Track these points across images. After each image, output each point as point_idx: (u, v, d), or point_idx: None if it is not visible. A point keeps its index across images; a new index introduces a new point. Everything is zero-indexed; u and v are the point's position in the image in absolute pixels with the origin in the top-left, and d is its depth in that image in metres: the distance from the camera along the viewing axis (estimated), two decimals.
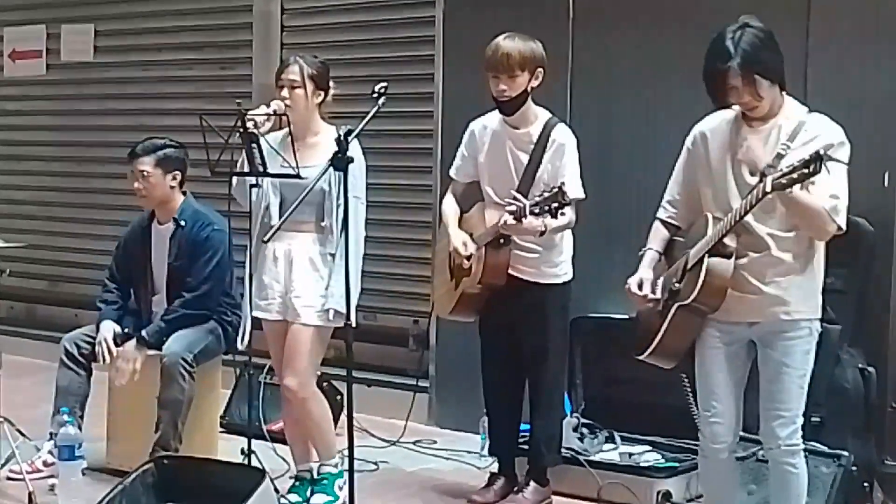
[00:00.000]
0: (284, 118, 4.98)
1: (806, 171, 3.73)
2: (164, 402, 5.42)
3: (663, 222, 4.38)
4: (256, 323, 5.19)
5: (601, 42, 6.19)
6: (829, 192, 3.92)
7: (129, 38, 8.57)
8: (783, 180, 3.78)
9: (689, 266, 4.13)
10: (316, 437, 5.23)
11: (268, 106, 5.01)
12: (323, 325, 5.00)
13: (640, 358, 4.32)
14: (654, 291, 4.26)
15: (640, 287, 4.26)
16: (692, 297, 4.06)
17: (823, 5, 5.56)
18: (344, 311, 4.89)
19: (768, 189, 3.83)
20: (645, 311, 4.36)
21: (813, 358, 4.14)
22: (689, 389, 5.16)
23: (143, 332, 5.56)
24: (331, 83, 5.16)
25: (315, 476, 5.29)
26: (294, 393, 5.07)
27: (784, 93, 4.10)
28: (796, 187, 3.78)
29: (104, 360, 5.59)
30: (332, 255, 4.95)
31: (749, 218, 3.98)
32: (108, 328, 5.64)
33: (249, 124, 4.85)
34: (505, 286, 5.09)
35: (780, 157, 3.99)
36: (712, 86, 4.05)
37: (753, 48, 3.97)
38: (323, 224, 5.00)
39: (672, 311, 4.15)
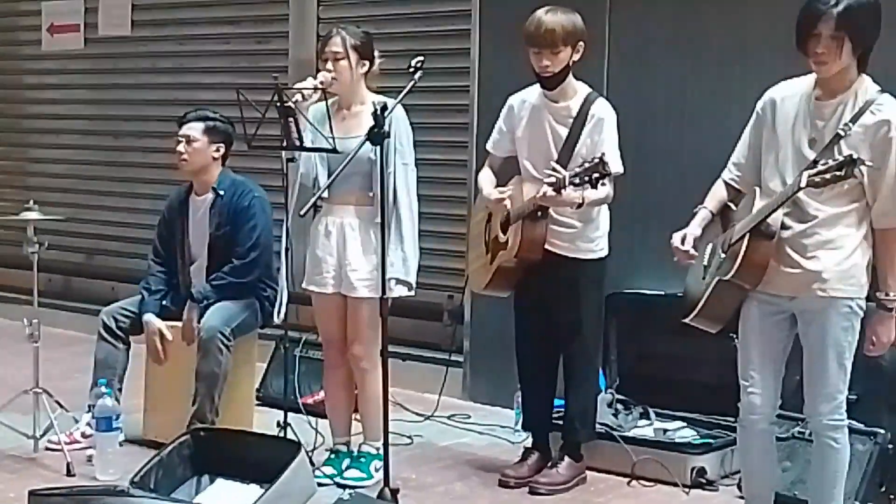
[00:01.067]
0: (327, 90, 4.99)
1: (839, 173, 3.76)
2: (202, 375, 5.45)
3: (726, 183, 4.36)
4: (292, 297, 5.22)
5: (638, 16, 6.15)
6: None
7: (166, 12, 8.59)
8: (817, 178, 3.81)
9: (733, 240, 4.14)
10: (366, 412, 5.26)
11: (314, 78, 5.02)
12: (377, 297, 4.99)
13: (685, 321, 4.35)
14: (695, 248, 4.25)
15: (682, 241, 4.25)
16: (731, 274, 4.08)
17: None
18: (407, 279, 4.93)
19: (803, 185, 3.85)
20: (693, 276, 4.39)
21: (855, 336, 4.12)
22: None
23: (193, 291, 5.60)
24: (375, 52, 5.16)
25: (358, 451, 5.32)
26: (359, 362, 5.12)
27: (863, 73, 4.06)
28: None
29: (160, 360, 5.65)
30: (381, 227, 4.92)
31: (801, 183, 3.95)
32: (157, 324, 5.66)
33: (297, 97, 4.87)
34: (540, 261, 5.09)
35: (839, 137, 3.97)
36: (802, 25, 4.00)
37: (859, 8, 3.94)
38: (370, 194, 5.01)
39: (713, 283, 4.18)
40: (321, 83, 4.97)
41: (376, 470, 5.16)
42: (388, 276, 4.89)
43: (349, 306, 5.14)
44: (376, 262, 4.96)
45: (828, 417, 4.12)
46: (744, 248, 4.05)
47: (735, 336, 4.60)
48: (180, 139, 5.69)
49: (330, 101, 5.03)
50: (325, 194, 5.02)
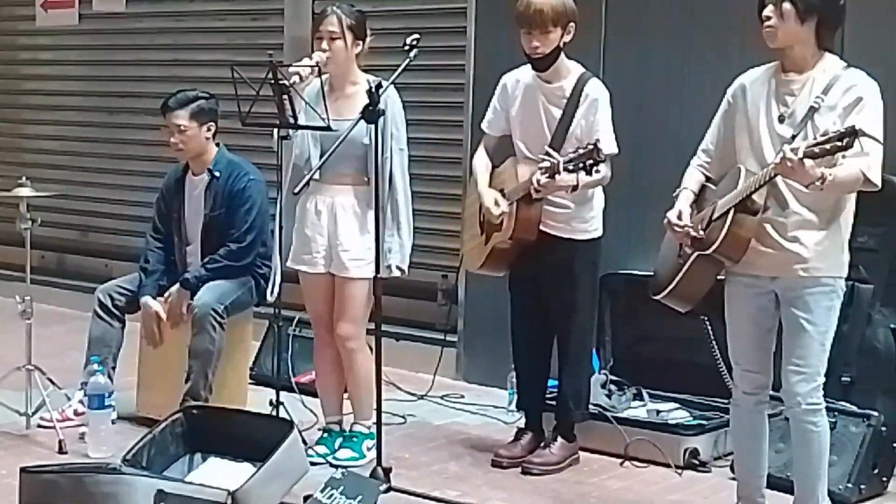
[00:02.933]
0: (321, 69, 4.97)
1: (839, 143, 3.74)
2: (195, 353, 5.44)
3: (697, 169, 4.39)
4: (286, 275, 5.20)
5: None
6: (864, 150, 3.89)
7: None
8: (815, 149, 3.78)
9: (714, 216, 4.13)
10: (356, 392, 5.26)
11: (310, 59, 4.99)
12: (370, 277, 4.99)
13: (656, 298, 4.38)
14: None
15: (679, 218, 4.24)
16: (713, 248, 4.09)
17: None
18: (403, 266, 4.95)
19: (800, 156, 3.80)
20: (665, 252, 4.40)
21: (836, 316, 4.13)
22: (710, 331, 5.24)
23: (187, 275, 5.59)
24: (368, 32, 5.13)
25: (349, 431, 5.32)
26: (345, 341, 5.11)
27: (825, 50, 4.09)
28: (835, 169, 3.81)
29: (156, 343, 5.64)
30: (375, 209, 4.90)
31: (797, 154, 3.92)
32: (154, 306, 5.64)
33: (294, 78, 4.85)
34: (535, 241, 5.08)
35: (813, 109, 4.00)
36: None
37: None
38: (365, 178, 5.00)
39: (692, 258, 4.19)
40: (317, 63, 4.94)
41: (368, 449, 5.17)
42: (385, 262, 4.93)
43: (337, 285, 5.13)
44: (367, 244, 4.95)
45: (807, 400, 4.11)
46: (728, 222, 4.04)
47: (707, 319, 4.62)
48: (171, 129, 5.64)
49: (321, 80, 5.01)
50: (318, 175, 5.00)
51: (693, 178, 4.38)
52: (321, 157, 4.99)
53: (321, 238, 5.12)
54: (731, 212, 4.05)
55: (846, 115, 3.97)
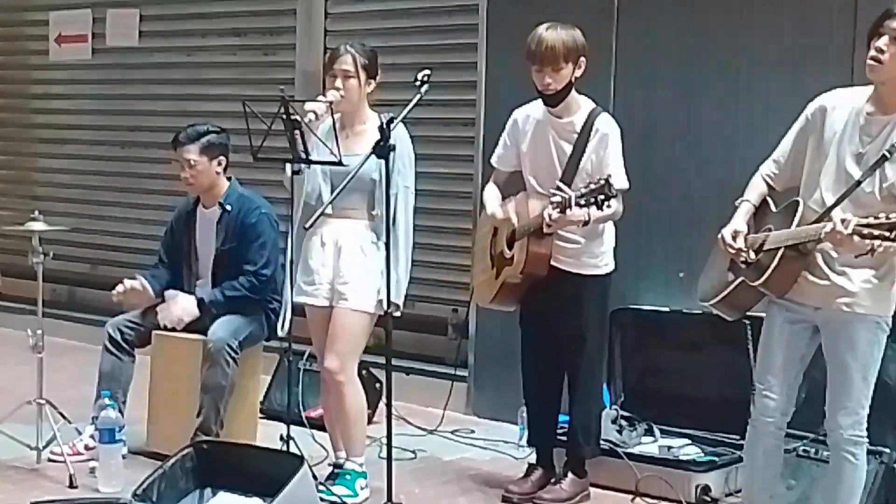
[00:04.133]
0: (333, 107, 4.99)
1: (887, 234, 3.67)
2: (208, 387, 5.44)
3: (763, 178, 4.34)
4: (297, 309, 5.20)
5: (645, 29, 6.15)
6: None
7: (174, 23, 8.61)
8: (864, 231, 3.71)
9: (766, 247, 4.11)
10: (345, 427, 5.21)
11: (324, 96, 5.02)
12: (368, 311, 5.02)
13: (704, 304, 4.39)
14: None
15: (734, 239, 4.21)
16: (759, 282, 4.10)
17: None
18: (397, 302, 4.93)
19: (849, 231, 3.74)
20: (715, 259, 4.39)
21: (880, 351, 4.12)
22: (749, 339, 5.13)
23: (203, 296, 5.60)
24: (379, 70, 5.16)
25: (341, 469, 5.27)
26: (333, 375, 5.09)
27: None
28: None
29: (119, 291, 5.74)
30: (386, 245, 4.90)
31: (831, 201, 3.95)
32: (137, 282, 5.75)
33: (310, 115, 4.86)
34: (545, 276, 5.07)
35: (884, 158, 3.93)
36: (874, 22, 3.96)
37: None
38: (374, 213, 5.01)
39: (737, 282, 4.21)
40: (331, 102, 4.96)
41: (361, 489, 5.15)
42: (378, 296, 4.94)
43: (333, 315, 5.10)
44: (369, 278, 4.97)
45: (848, 432, 4.12)
46: (776, 261, 4.04)
47: (748, 322, 4.61)
48: (182, 164, 5.67)
49: (332, 121, 5.04)
50: (329, 209, 5.02)
51: (756, 190, 4.32)
52: (332, 192, 5.00)
53: (324, 270, 5.12)
54: (781, 251, 4.04)
55: None
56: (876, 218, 3.73)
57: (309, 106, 4.94)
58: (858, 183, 3.95)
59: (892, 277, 4.08)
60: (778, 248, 4.05)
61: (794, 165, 4.22)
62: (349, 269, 5.06)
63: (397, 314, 5.08)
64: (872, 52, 3.92)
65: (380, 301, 4.97)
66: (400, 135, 4.97)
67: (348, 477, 5.20)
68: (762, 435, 4.33)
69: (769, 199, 4.30)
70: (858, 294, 4.03)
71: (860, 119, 4.01)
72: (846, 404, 4.10)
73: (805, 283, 4.09)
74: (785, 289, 4.11)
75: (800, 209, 4.07)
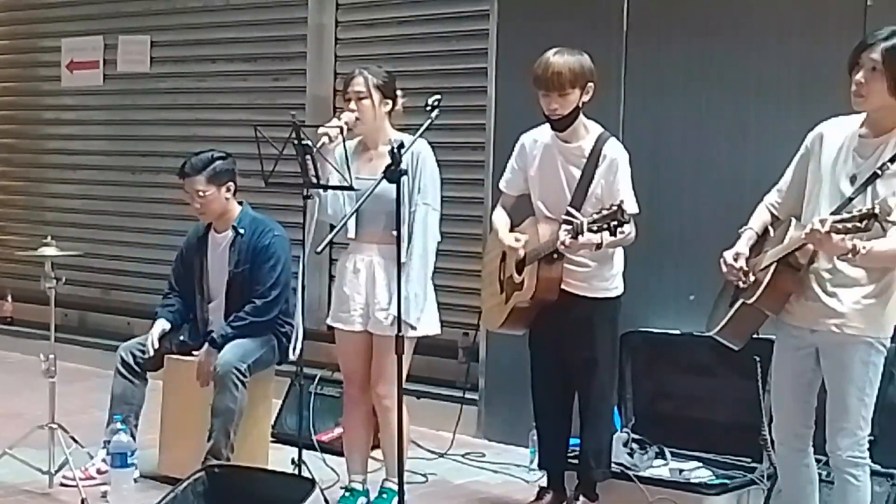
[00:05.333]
0: (352, 130, 5.03)
1: (859, 224, 3.73)
2: (217, 411, 5.45)
3: (767, 207, 4.41)
4: (307, 333, 5.22)
5: (654, 54, 6.17)
6: None
7: (185, 50, 8.67)
8: (839, 226, 3.79)
9: (761, 266, 4.19)
10: (392, 449, 5.22)
11: (339, 119, 5.04)
12: (407, 336, 5.03)
13: (709, 334, 4.45)
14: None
15: (735, 259, 4.28)
16: (753, 300, 4.16)
17: (879, 19, 5.51)
18: (407, 320, 4.95)
19: (826, 229, 3.81)
20: (724, 288, 4.46)
21: (876, 372, 4.13)
22: (759, 372, 5.18)
23: (214, 335, 5.61)
24: (398, 92, 5.18)
25: (380, 488, 5.32)
26: (383, 399, 5.10)
27: None
28: (872, 242, 3.80)
29: (149, 352, 5.68)
30: (398, 263, 4.91)
31: (823, 227, 3.94)
32: (158, 326, 5.73)
33: (324, 139, 4.89)
34: (555, 300, 5.08)
35: (875, 176, 3.99)
36: (851, 53, 4.04)
37: None
38: (393, 233, 5.02)
39: (737, 304, 4.26)
40: (345, 123, 4.99)
41: None
42: (389, 313, 4.97)
43: (375, 345, 5.14)
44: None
45: (847, 453, 4.13)
46: (769, 276, 4.10)
47: (757, 357, 4.68)
48: (191, 194, 5.70)
49: (355, 142, 5.07)
50: (352, 233, 5.08)
51: (759, 219, 4.40)
52: (357, 216, 5.04)
53: (359, 297, 5.15)
54: (774, 266, 4.10)
55: None
56: (848, 212, 3.83)
57: (322, 130, 4.97)
58: (850, 199, 4.01)
59: (886, 298, 4.09)
60: (770, 265, 4.12)
61: (796, 193, 4.29)
62: (384, 294, 5.08)
63: (415, 333, 5.10)
64: (853, 87, 4.02)
65: (393, 317, 4.97)
66: (423, 154, 5.03)
67: (385, 496, 5.29)
68: (788, 465, 4.39)
69: (771, 228, 4.37)
70: (848, 315, 4.05)
71: (854, 142, 4.10)
72: (844, 426, 4.12)
73: (798, 306, 4.15)
74: (779, 305, 4.15)
75: (791, 226, 4.13)
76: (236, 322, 5.61)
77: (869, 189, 3.99)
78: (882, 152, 4.02)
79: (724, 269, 4.29)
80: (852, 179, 4.06)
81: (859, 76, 3.99)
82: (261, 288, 5.63)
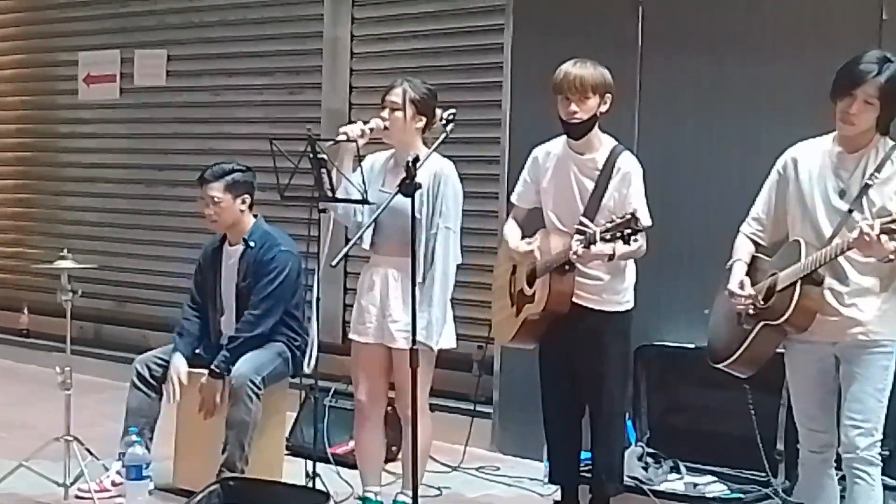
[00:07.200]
0: (380, 137, 5.06)
1: None
2: (232, 423, 5.47)
3: (748, 237, 4.52)
4: (322, 346, 5.23)
5: (669, 69, 6.18)
6: None
7: (201, 64, 8.71)
8: (893, 225, 3.91)
9: (779, 287, 4.23)
10: (409, 463, 5.23)
11: (365, 123, 5.06)
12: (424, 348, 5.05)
13: (717, 367, 4.50)
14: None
15: (742, 287, 4.37)
16: (784, 319, 4.20)
17: (895, 33, 5.52)
18: (428, 343, 5.02)
19: (877, 231, 3.92)
20: (719, 321, 4.54)
21: (891, 376, 4.25)
22: (751, 401, 5.25)
23: (213, 366, 5.61)
24: (437, 110, 5.18)
25: (393, 500, 5.33)
26: (407, 410, 5.07)
27: (882, 133, 4.25)
28: None
29: (172, 398, 5.67)
30: (420, 284, 4.98)
31: (829, 234, 4.16)
32: (179, 365, 5.70)
33: (342, 137, 4.91)
34: (566, 313, 5.07)
35: (867, 186, 4.16)
36: (842, 85, 4.17)
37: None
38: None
39: (757, 328, 4.30)
40: (371, 129, 5.02)
41: None
42: (405, 330, 4.99)
43: (394, 358, 5.16)
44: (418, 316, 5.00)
45: (865, 452, 4.20)
46: (797, 294, 4.15)
47: (749, 388, 4.79)
48: (206, 201, 5.73)
49: (387, 154, 5.08)
50: (366, 245, 5.10)
51: (745, 249, 4.50)
52: (375, 230, 5.08)
53: (374, 309, 5.18)
54: (799, 283, 4.16)
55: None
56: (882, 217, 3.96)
57: (343, 128, 4.99)
58: (850, 211, 4.16)
59: (895, 301, 4.25)
60: (795, 282, 4.17)
61: (776, 219, 4.44)
62: (397, 307, 5.10)
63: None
64: (843, 115, 4.16)
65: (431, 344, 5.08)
66: (445, 174, 5.08)
67: None
68: (812, 473, 4.43)
69: (759, 256, 4.47)
70: (872, 322, 4.20)
71: (832, 159, 4.26)
72: (863, 426, 4.20)
73: (818, 322, 4.22)
74: (808, 322, 4.21)
75: (803, 246, 4.22)
76: (231, 344, 5.64)
77: (864, 199, 4.16)
78: (866, 164, 4.20)
79: (733, 300, 4.38)
80: (841, 194, 4.22)
81: (854, 109, 4.13)
82: (254, 299, 5.67)
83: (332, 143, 4.94)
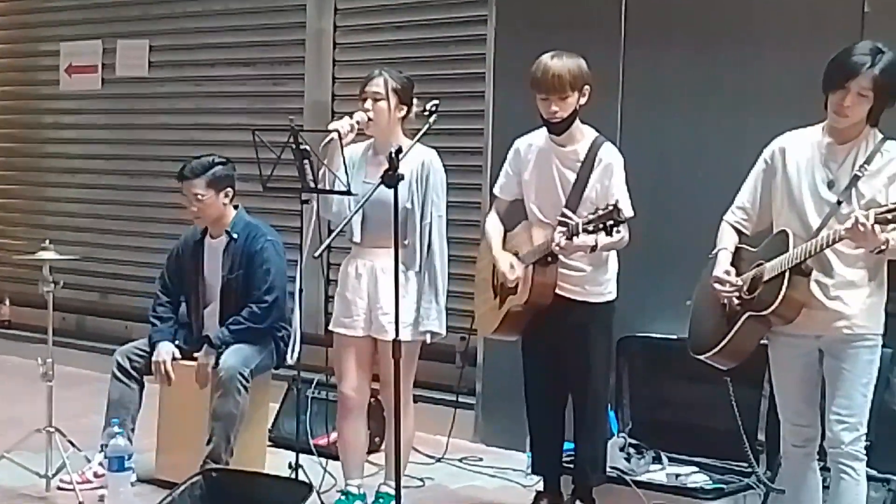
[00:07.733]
0: (360, 128, 5.05)
1: None
2: (219, 415, 5.45)
3: (732, 226, 4.51)
4: (304, 338, 5.23)
5: (652, 60, 6.18)
6: None
7: (183, 54, 8.68)
8: (888, 216, 3.90)
9: (765, 278, 4.22)
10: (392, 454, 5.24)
11: (350, 117, 5.04)
12: (412, 340, 5.07)
13: (699, 357, 4.48)
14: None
15: (727, 274, 4.36)
16: (771, 309, 4.18)
17: (877, 26, 5.53)
18: (441, 331, 5.06)
19: (872, 221, 3.92)
20: (701, 312, 4.52)
21: (876, 370, 4.26)
22: (731, 394, 5.22)
23: (212, 337, 5.60)
24: (414, 100, 5.19)
25: (376, 492, 5.34)
26: (390, 404, 5.09)
27: (872, 126, 4.24)
28: (894, 233, 3.95)
29: (167, 381, 5.65)
30: (417, 273, 5.01)
31: (817, 225, 4.15)
32: (167, 351, 5.69)
33: (333, 135, 4.89)
34: (549, 305, 5.08)
35: (857, 178, 4.16)
36: (834, 77, 4.15)
37: (892, 74, 4.11)
38: (405, 242, 5.04)
39: (742, 318, 4.28)
40: (357, 122, 5.00)
41: None
42: (424, 328, 5.08)
43: (380, 349, 5.17)
44: (407, 306, 5.01)
45: (850, 447, 4.20)
46: (785, 284, 4.14)
47: (730, 380, 4.80)
48: (189, 198, 5.70)
49: (365, 145, 5.07)
50: (357, 238, 5.11)
51: (729, 238, 4.48)
52: (362, 221, 5.09)
53: (361, 301, 5.17)
54: (787, 274, 4.14)
55: (890, 183, 4.14)
56: (894, 203, 3.94)
57: (333, 125, 4.98)
58: (839, 203, 4.16)
59: (881, 294, 4.27)
60: (783, 273, 4.16)
61: (761, 209, 4.43)
62: (388, 299, 5.05)
63: (427, 336, 5.19)
64: (837, 107, 4.14)
65: (430, 333, 5.13)
66: (433, 165, 5.11)
67: (381, 501, 5.31)
68: (795, 467, 4.44)
69: (742, 246, 4.46)
70: (857, 315, 4.19)
71: (821, 150, 4.25)
72: (849, 420, 4.21)
73: (803, 315, 4.21)
74: (794, 314, 4.20)
75: (790, 237, 4.21)
76: (234, 326, 5.61)
77: (853, 191, 4.15)
78: (856, 156, 4.19)
79: (719, 287, 4.36)
80: (830, 185, 4.21)
81: (848, 101, 4.11)
82: (257, 293, 5.64)
83: (325, 142, 4.90)
